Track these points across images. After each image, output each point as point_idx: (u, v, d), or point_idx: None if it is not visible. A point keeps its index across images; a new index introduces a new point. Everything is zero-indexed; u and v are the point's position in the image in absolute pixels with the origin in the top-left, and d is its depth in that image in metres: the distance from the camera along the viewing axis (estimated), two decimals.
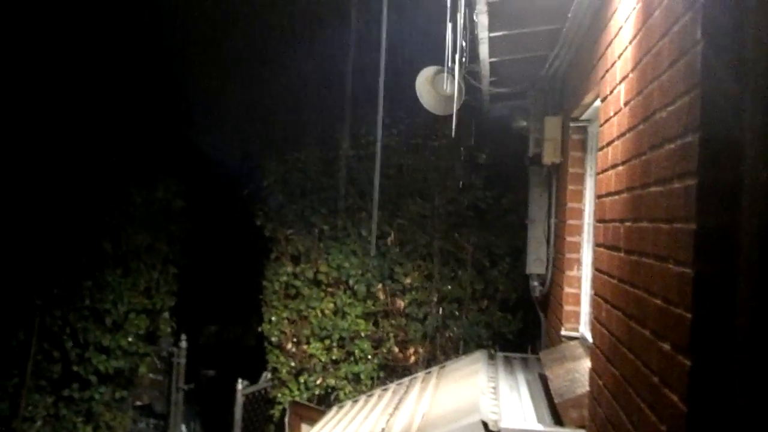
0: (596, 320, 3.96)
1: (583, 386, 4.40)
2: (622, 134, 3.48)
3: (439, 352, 9.14)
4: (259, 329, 9.61)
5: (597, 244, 4.11)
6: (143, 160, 10.04)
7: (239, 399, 9.27)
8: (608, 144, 3.87)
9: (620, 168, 3.51)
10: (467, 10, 5.31)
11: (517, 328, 9.12)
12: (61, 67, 9.53)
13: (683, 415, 2.24)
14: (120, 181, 9.85)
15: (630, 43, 3.41)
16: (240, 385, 9.28)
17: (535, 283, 7.52)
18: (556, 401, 4.68)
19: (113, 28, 9.94)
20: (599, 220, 4.08)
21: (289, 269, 9.46)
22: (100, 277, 9.56)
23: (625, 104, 3.45)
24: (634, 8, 3.33)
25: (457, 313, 9.19)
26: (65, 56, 9.56)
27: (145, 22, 10.25)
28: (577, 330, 5.99)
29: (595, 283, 4.14)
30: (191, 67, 10.88)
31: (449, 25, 5.56)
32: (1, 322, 9.24)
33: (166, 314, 10.21)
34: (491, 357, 7.03)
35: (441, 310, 9.19)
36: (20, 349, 9.34)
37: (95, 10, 9.71)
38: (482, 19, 5.03)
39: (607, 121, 3.96)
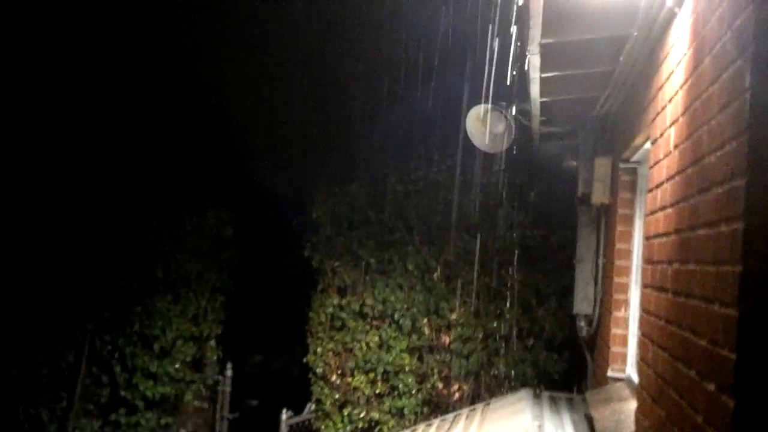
0: (643, 361, 3.97)
1: (629, 427, 4.39)
2: (671, 177, 3.51)
3: (484, 389, 9.07)
4: (304, 360, 9.66)
5: (645, 285, 4.12)
6: (195, 188, 10.20)
7: (283, 429, 9.32)
8: (657, 186, 3.89)
9: (669, 210, 3.54)
10: (519, 50, 5.37)
11: (562, 368, 9.01)
12: (116, 97, 9.76)
13: None
14: (172, 208, 10.02)
15: (681, 87, 3.44)
16: (284, 415, 9.33)
17: (582, 323, 7.46)
18: None
19: (171, 61, 10.18)
20: (647, 261, 4.09)
21: (336, 301, 9.53)
22: (150, 303, 9.70)
23: (675, 147, 3.48)
24: (685, 54, 3.37)
25: (502, 350, 9.13)
26: (120, 88, 9.80)
27: (203, 57, 10.49)
28: (623, 371, 5.95)
29: (642, 323, 4.15)
30: (244, 98, 11.08)
31: (501, 64, 5.63)
32: (52, 345, 9.36)
33: (213, 342, 10.29)
34: (536, 396, 7.01)
35: (486, 347, 9.14)
36: (69, 372, 9.46)
37: (157, 42, 9.96)
38: (534, 60, 5.08)
39: (656, 163, 3.98)
